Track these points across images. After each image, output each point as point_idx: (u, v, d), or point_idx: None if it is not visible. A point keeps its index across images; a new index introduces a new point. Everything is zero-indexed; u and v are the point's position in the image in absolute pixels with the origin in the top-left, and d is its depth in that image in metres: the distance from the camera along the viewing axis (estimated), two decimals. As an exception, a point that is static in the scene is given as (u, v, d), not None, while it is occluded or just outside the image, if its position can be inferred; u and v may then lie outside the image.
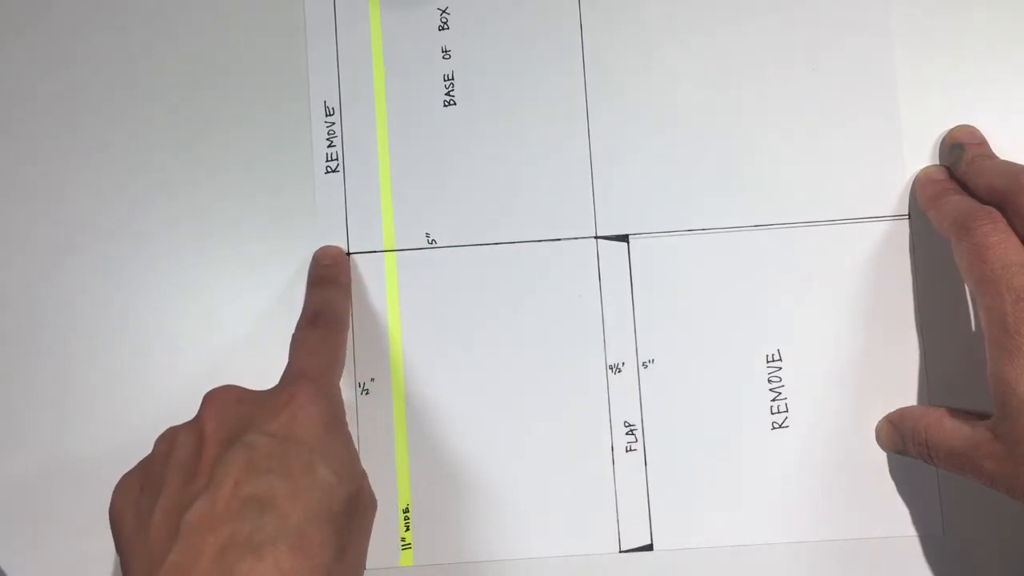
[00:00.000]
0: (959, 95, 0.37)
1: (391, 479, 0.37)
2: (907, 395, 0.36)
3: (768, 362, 0.37)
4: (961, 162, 0.35)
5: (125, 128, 0.38)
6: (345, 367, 0.37)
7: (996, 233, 0.30)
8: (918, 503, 0.36)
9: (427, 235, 0.38)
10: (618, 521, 0.37)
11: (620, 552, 0.36)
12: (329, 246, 0.37)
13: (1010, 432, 0.29)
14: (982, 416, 0.32)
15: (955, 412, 0.33)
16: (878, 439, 0.36)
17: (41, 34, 0.38)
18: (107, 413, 0.37)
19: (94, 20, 0.38)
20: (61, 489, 0.37)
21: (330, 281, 0.36)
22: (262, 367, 0.37)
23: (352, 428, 0.36)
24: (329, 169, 0.38)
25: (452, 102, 0.38)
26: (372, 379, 0.37)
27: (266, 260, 0.38)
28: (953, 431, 0.32)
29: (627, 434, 0.37)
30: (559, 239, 0.38)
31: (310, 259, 0.37)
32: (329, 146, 0.38)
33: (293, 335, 0.34)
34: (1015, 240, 0.30)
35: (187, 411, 0.35)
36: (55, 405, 0.37)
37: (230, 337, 0.37)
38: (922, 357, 0.36)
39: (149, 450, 0.31)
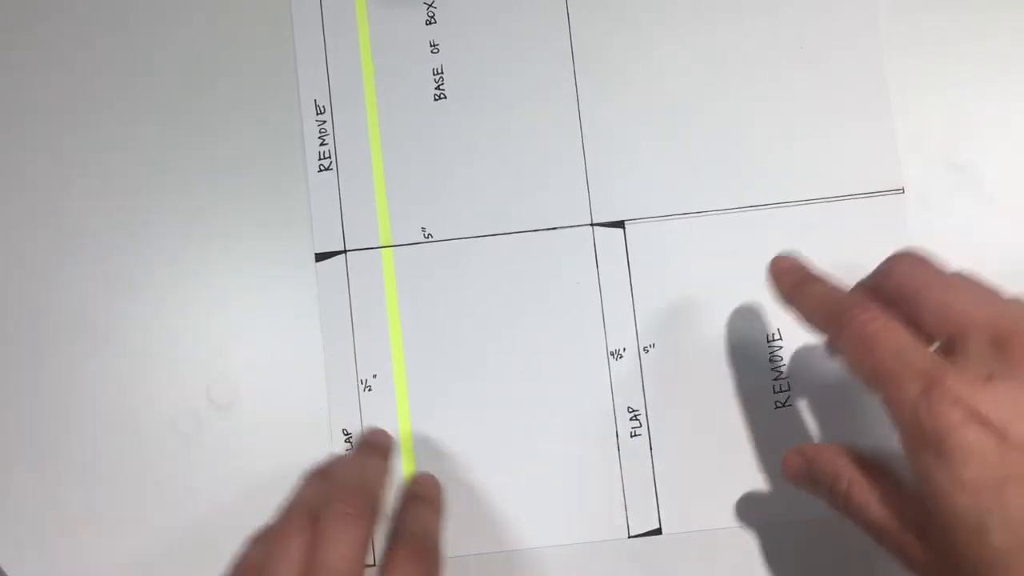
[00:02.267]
0: (947, 68, 0.38)
1: (396, 475, 0.37)
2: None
3: (768, 342, 0.37)
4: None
5: (118, 131, 0.38)
6: (346, 364, 0.37)
7: (875, 320, 0.26)
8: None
9: (423, 229, 0.38)
10: (626, 507, 0.37)
11: (629, 537, 0.36)
12: (425, 473, 0.36)
13: (942, 548, 0.25)
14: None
15: (883, 471, 0.28)
16: (784, 468, 0.31)
17: (34, 37, 0.38)
18: (107, 412, 0.37)
19: (86, 26, 0.38)
20: (61, 489, 0.37)
21: (427, 503, 0.34)
22: (261, 366, 0.37)
23: (355, 425, 0.37)
24: (322, 167, 0.38)
25: (442, 96, 0.38)
26: (374, 375, 0.37)
27: (264, 259, 0.38)
28: (882, 501, 0.27)
29: (631, 420, 0.37)
30: (555, 228, 0.38)
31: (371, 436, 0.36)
32: (321, 144, 0.38)
33: (386, 563, 0.30)
34: (897, 322, 0.26)
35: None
36: (56, 405, 0.37)
37: (230, 335, 0.37)
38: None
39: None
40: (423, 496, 0.35)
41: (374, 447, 0.35)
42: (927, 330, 0.26)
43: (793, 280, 0.31)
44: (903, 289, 0.27)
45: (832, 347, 0.28)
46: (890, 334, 0.26)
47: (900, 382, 0.25)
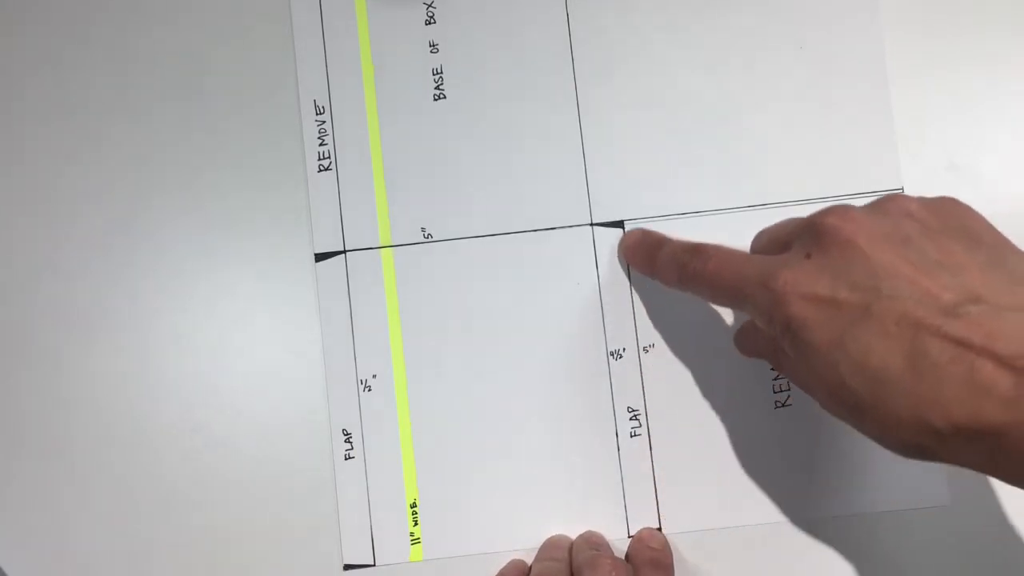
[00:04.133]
0: (947, 67, 0.38)
1: (397, 475, 0.37)
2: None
3: (768, 341, 0.37)
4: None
5: (117, 130, 0.38)
6: (346, 365, 0.37)
7: (712, 256, 0.31)
8: (924, 474, 0.36)
9: (423, 230, 0.38)
10: (626, 507, 0.37)
11: (630, 537, 0.36)
12: (653, 531, 0.36)
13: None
14: None
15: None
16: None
17: (34, 37, 0.38)
18: (108, 411, 0.37)
19: (85, 25, 0.38)
20: (62, 489, 0.37)
21: (664, 569, 0.35)
22: (261, 366, 0.37)
23: (355, 425, 0.37)
24: (322, 167, 0.38)
25: (442, 95, 0.38)
26: (374, 375, 0.37)
27: (263, 259, 0.38)
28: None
29: (631, 419, 0.37)
30: (554, 228, 0.38)
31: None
32: (321, 144, 0.38)
33: None
34: (726, 251, 0.31)
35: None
36: (56, 403, 0.37)
37: (230, 335, 0.37)
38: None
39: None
40: (659, 563, 0.35)
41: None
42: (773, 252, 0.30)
43: (643, 255, 0.35)
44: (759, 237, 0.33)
45: (692, 293, 0.32)
46: (724, 261, 0.30)
47: (745, 291, 0.29)
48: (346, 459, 0.37)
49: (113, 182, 0.38)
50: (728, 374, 0.37)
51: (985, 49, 0.38)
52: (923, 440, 0.25)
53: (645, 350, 0.37)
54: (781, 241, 0.30)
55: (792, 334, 0.27)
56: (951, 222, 0.28)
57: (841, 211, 0.28)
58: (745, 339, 0.35)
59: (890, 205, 0.28)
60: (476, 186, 0.38)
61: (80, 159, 0.38)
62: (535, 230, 0.38)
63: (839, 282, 0.26)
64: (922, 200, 0.29)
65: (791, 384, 0.37)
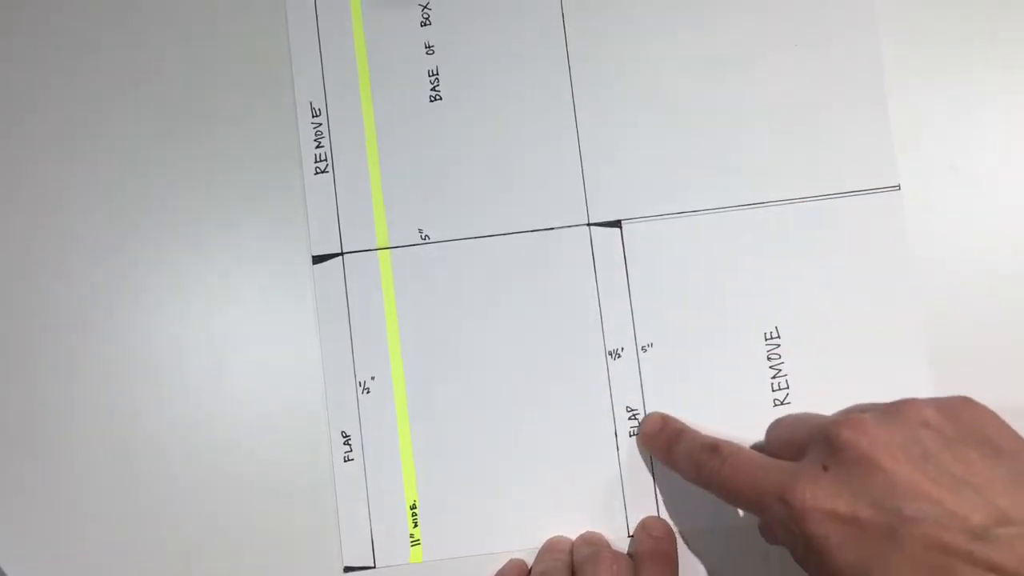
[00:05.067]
0: (942, 63, 0.38)
1: (397, 476, 0.37)
2: (908, 362, 0.37)
3: (767, 339, 0.37)
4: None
5: (115, 133, 0.38)
6: (344, 367, 0.37)
7: (725, 460, 0.31)
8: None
9: (420, 231, 0.38)
10: (626, 506, 0.37)
11: (630, 537, 0.36)
12: (657, 519, 0.36)
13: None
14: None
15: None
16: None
17: (36, 43, 0.38)
18: (108, 413, 0.37)
19: (84, 29, 0.38)
20: (62, 489, 0.37)
21: (665, 562, 0.35)
22: (260, 369, 0.37)
23: (354, 428, 0.37)
24: (318, 170, 0.38)
25: (438, 97, 0.38)
26: (372, 377, 0.37)
27: (261, 262, 0.38)
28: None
29: (630, 419, 0.37)
30: (552, 228, 0.38)
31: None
32: (317, 147, 0.38)
33: None
34: (744, 453, 0.31)
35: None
36: (57, 405, 0.37)
37: (228, 338, 0.37)
38: (921, 324, 0.37)
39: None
40: (661, 554, 0.35)
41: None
42: (788, 455, 0.31)
43: (663, 443, 0.35)
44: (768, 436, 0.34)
45: (707, 490, 0.32)
46: (740, 467, 0.30)
47: (762, 503, 0.29)
48: (345, 461, 0.37)
49: (111, 185, 0.38)
50: (727, 372, 0.37)
51: (981, 35, 0.38)
52: None
53: (644, 349, 0.37)
54: (795, 444, 0.30)
55: (814, 553, 0.27)
56: (968, 429, 0.28)
57: (855, 423, 0.28)
58: (768, 532, 0.33)
59: (905, 412, 0.28)
60: (473, 187, 0.38)
61: (77, 161, 0.38)
62: (532, 230, 0.38)
63: (860, 500, 0.26)
64: (937, 404, 0.29)
65: (789, 382, 0.37)
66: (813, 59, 0.38)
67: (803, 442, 0.30)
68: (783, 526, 0.28)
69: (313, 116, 0.38)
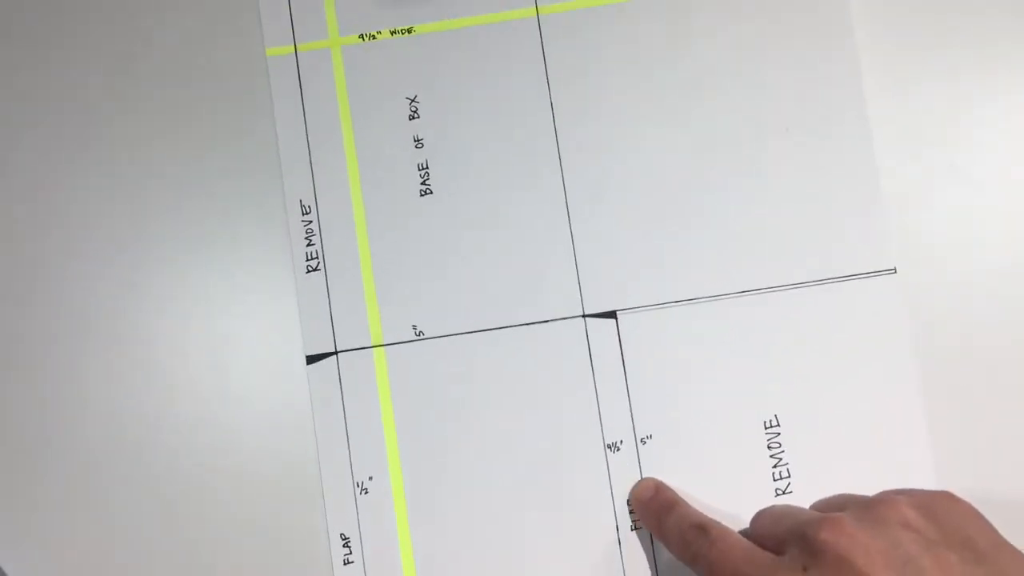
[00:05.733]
0: (934, 140, 0.38)
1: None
2: (910, 447, 0.36)
3: (766, 428, 0.37)
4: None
5: (106, 228, 0.38)
6: (342, 467, 0.37)
7: (714, 544, 0.31)
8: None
9: (414, 327, 0.37)
10: (629, 600, 0.36)
11: (634, 634, 0.36)
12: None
13: None
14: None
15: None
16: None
17: (41, 46, 0.38)
18: (108, 414, 0.37)
19: (83, 123, 0.38)
20: (62, 489, 0.37)
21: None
22: (255, 472, 0.37)
23: (353, 530, 0.36)
24: (310, 268, 0.38)
25: (428, 191, 0.38)
26: (370, 477, 0.37)
27: (255, 363, 0.37)
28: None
29: (631, 513, 0.36)
30: (547, 320, 0.37)
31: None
32: (308, 245, 0.38)
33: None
34: (734, 538, 0.31)
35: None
36: (57, 406, 0.37)
37: (223, 442, 0.37)
38: (924, 410, 0.36)
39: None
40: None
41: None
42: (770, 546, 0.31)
43: (653, 512, 0.35)
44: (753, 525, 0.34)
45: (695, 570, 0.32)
46: (727, 552, 0.31)
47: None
48: (345, 564, 0.36)
49: (96, 280, 0.38)
50: (728, 463, 0.36)
51: (970, 111, 0.38)
52: None
53: (643, 441, 0.37)
54: (778, 538, 0.31)
55: None
56: (950, 530, 0.28)
57: (835, 524, 0.28)
58: None
59: (886, 513, 0.29)
60: (466, 281, 0.37)
61: (76, 240, 0.38)
62: (527, 324, 0.37)
63: None
64: (918, 503, 0.29)
65: (791, 471, 0.36)
66: (804, 145, 0.37)
67: (784, 537, 0.30)
68: None
69: (303, 214, 0.38)
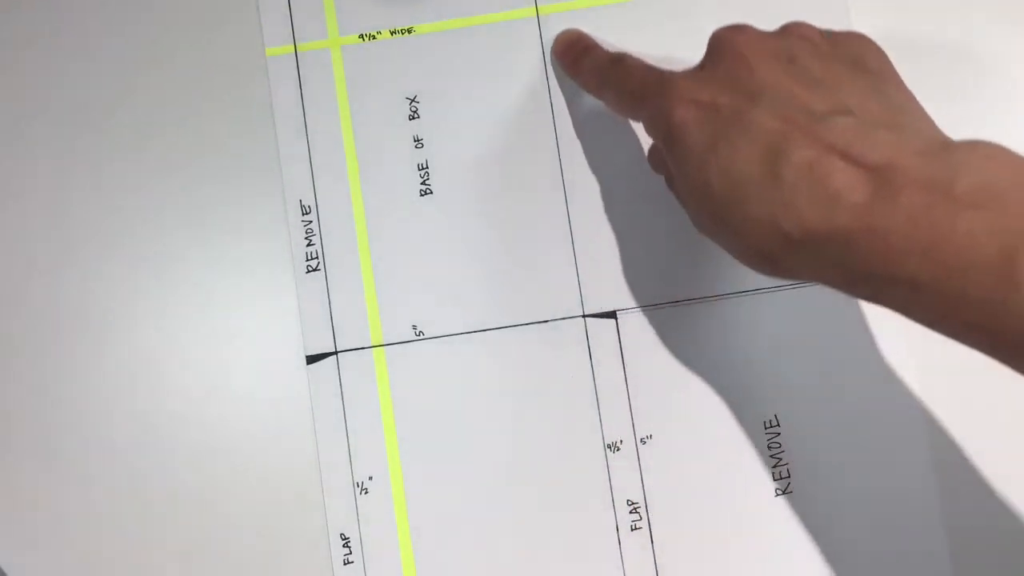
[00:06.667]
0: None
1: (397, 578, 0.36)
2: (910, 447, 0.36)
3: (766, 428, 0.37)
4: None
5: (100, 238, 0.38)
6: (342, 468, 0.37)
7: (622, 62, 0.32)
8: (927, 562, 0.36)
9: (414, 327, 0.37)
10: (629, 600, 0.36)
11: (634, 634, 0.36)
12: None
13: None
14: None
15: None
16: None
17: (47, 60, 0.38)
18: (108, 414, 0.37)
19: (88, 137, 0.38)
20: (61, 489, 0.37)
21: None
22: (255, 473, 0.37)
23: (353, 530, 0.36)
24: (310, 268, 0.38)
25: (428, 191, 0.38)
26: (370, 477, 0.37)
27: (255, 362, 0.37)
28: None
29: (631, 512, 0.36)
30: (547, 320, 0.37)
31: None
32: (308, 244, 0.38)
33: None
34: (640, 60, 0.32)
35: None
36: (56, 406, 0.37)
37: (222, 442, 0.37)
38: (922, 406, 0.36)
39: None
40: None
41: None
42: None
43: (572, 56, 0.36)
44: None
45: (605, 100, 0.33)
46: (634, 69, 0.31)
47: (645, 95, 0.30)
48: (345, 564, 0.36)
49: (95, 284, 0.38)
50: (727, 462, 0.36)
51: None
52: (775, 248, 0.25)
53: (643, 441, 0.37)
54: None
55: (672, 139, 0.27)
56: (848, 52, 0.28)
57: (739, 26, 0.29)
58: (654, 155, 0.36)
59: (792, 28, 0.29)
60: (465, 281, 0.37)
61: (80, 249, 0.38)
62: (527, 323, 0.37)
63: (722, 89, 0.27)
64: (828, 31, 0.29)
65: (791, 471, 0.36)
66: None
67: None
68: (653, 122, 0.29)
69: (303, 214, 0.38)
